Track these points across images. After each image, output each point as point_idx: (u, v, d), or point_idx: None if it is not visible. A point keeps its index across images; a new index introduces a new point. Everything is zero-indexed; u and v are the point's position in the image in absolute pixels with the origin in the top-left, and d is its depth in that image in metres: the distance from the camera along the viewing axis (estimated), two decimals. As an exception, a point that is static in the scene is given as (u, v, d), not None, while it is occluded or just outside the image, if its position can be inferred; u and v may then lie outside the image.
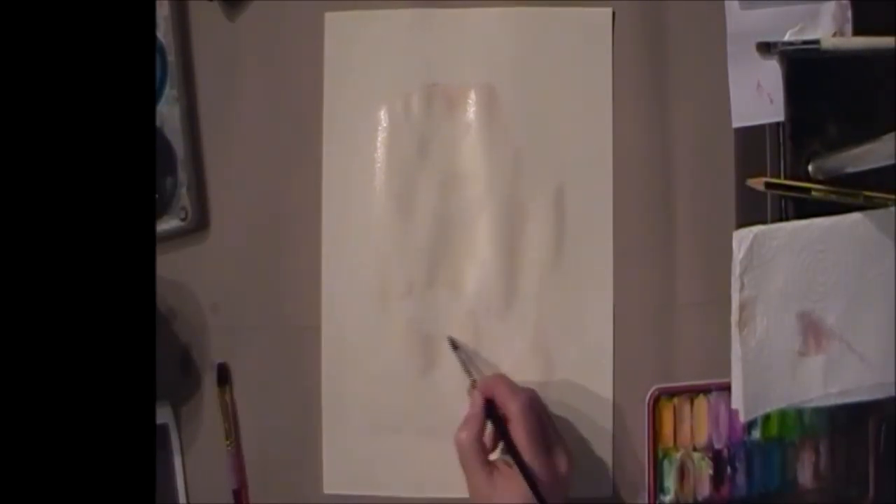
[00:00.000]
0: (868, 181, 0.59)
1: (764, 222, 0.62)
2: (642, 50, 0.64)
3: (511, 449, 0.55)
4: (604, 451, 0.63)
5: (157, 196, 0.63)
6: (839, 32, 0.63)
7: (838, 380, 0.61)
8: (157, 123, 0.63)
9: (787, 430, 0.65)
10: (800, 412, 0.64)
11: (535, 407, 0.58)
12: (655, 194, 0.64)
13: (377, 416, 0.64)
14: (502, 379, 0.59)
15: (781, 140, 0.62)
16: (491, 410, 0.57)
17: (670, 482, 0.64)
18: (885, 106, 0.61)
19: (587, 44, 0.64)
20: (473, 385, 0.60)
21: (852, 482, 0.65)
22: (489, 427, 0.57)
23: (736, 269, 0.60)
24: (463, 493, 0.62)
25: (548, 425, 0.59)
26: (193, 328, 0.65)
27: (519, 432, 0.55)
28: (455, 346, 0.63)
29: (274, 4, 0.64)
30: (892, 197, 0.60)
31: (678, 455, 0.64)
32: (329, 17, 0.64)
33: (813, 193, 0.60)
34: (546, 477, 0.55)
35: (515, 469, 0.55)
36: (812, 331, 0.61)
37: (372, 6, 0.64)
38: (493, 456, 0.58)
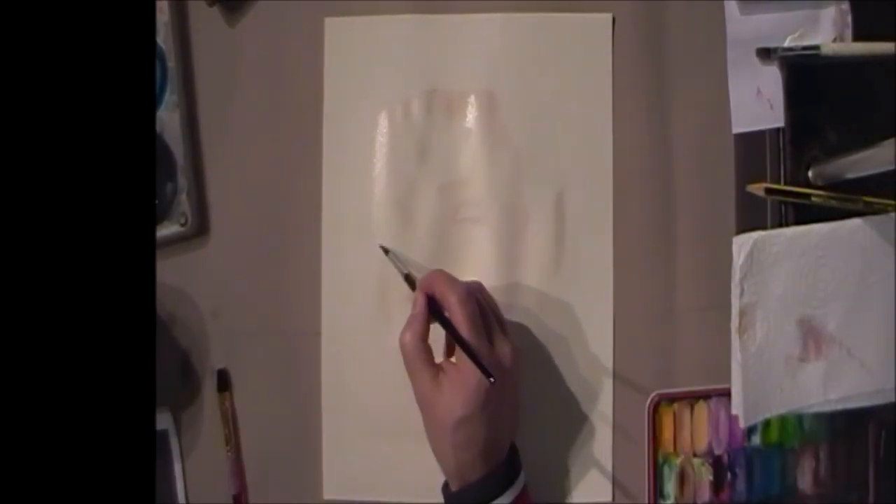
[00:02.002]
0: (868, 187, 0.59)
1: (764, 228, 0.62)
2: (642, 56, 0.64)
3: (454, 334, 0.54)
4: (604, 456, 0.63)
5: (156, 202, 0.63)
6: (839, 38, 0.63)
7: (838, 386, 0.61)
8: (157, 129, 0.63)
9: (787, 435, 0.65)
10: (800, 418, 0.64)
11: (476, 296, 0.57)
12: (655, 200, 0.64)
13: (377, 421, 0.64)
14: (440, 273, 0.58)
15: (781, 145, 0.62)
16: (433, 307, 0.56)
17: (670, 488, 0.64)
18: (884, 111, 0.61)
19: (587, 50, 0.64)
20: (408, 278, 0.59)
21: (852, 488, 0.65)
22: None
23: (736, 275, 0.60)
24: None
25: (490, 316, 0.58)
26: (193, 334, 0.65)
27: (458, 319, 0.54)
28: (386, 251, 0.62)
29: (274, 10, 0.64)
30: (892, 202, 0.60)
31: (678, 461, 0.64)
32: (329, 22, 0.64)
33: (813, 199, 0.60)
34: (488, 365, 0.53)
35: (461, 368, 0.54)
36: (812, 337, 0.61)
37: (372, 12, 0.64)
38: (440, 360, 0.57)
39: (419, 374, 0.55)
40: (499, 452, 0.56)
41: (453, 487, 0.57)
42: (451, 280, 0.57)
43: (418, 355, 0.55)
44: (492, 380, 0.52)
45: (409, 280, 0.60)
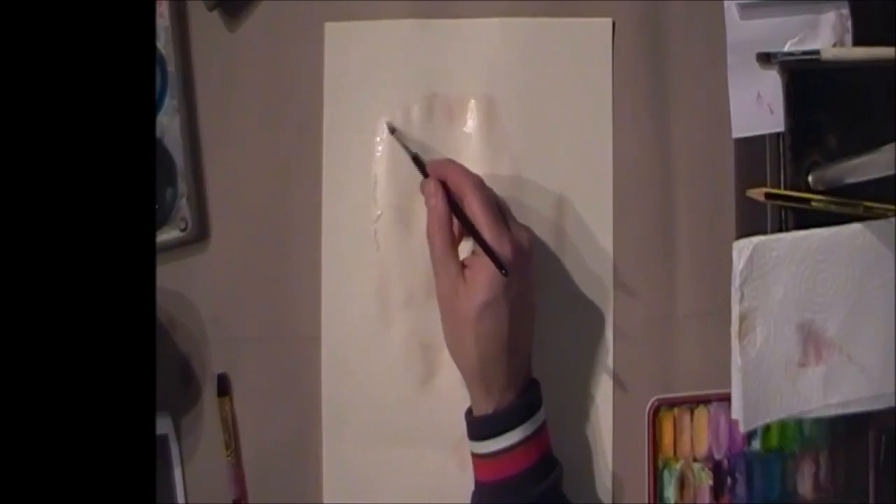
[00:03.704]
0: (868, 192, 0.60)
1: (764, 233, 0.62)
2: (642, 60, 0.64)
3: (468, 221, 0.55)
4: (604, 461, 0.63)
5: (156, 207, 0.63)
6: (839, 43, 0.63)
7: (838, 390, 0.61)
8: (157, 134, 0.63)
9: (787, 440, 0.65)
10: (800, 423, 0.64)
11: (488, 187, 0.58)
12: (655, 205, 0.64)
13: (377, 426, 0.64)
14: (451, 161, 0.59)
15: (781, 150, 0.62)
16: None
17: (670, 493, 0.64)
18: (885, 116, 0.61)
19: (587, 55, 0.64)
20: (416, 160, 0.59)
21: (852, 493, 0.65)
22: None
23: (736, 280, 0.60)
24: (463, 500, 0.62)
25: (503, 205, 0.59)
26: (193, 339, 0.65)
27: (475, 205, 0.55)
28: (392, 129, 0.62)
29: (274, 15, 0.64)
30: (892, 207, 0.60)
31: (678, 466, 0.64)
32: (329, 27, 0.64)
33: (813, 204, 0.60)
34: (508, 247, 0.54)
35: (481, 256, 0.54)
36: (812, 341, 0.61)
37: (372, 16, 0.64)
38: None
39: (445, 264, 0.56)
40: (520, 357, 0.57)
41: (474, 403, 0.57)
42: (464, 168, 0.57)
43: (445, 247, 0.56)
44: (504, 271, 0.52)
45: (418, 162, 0.60)
